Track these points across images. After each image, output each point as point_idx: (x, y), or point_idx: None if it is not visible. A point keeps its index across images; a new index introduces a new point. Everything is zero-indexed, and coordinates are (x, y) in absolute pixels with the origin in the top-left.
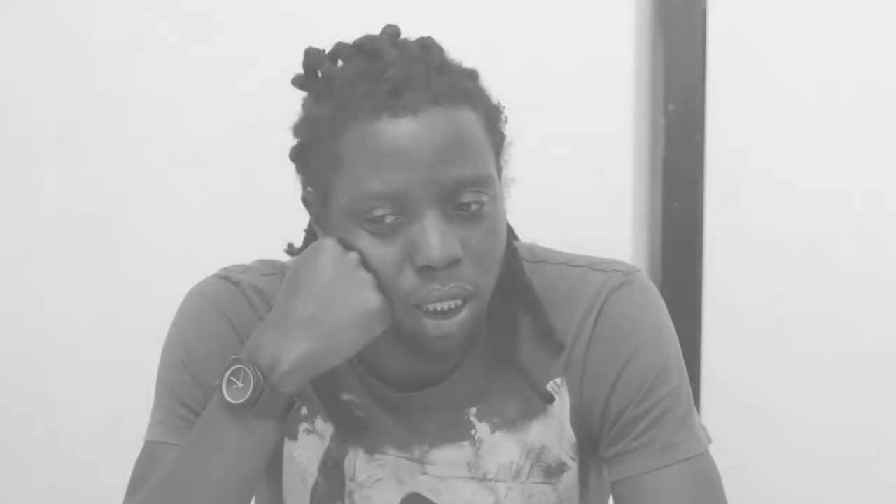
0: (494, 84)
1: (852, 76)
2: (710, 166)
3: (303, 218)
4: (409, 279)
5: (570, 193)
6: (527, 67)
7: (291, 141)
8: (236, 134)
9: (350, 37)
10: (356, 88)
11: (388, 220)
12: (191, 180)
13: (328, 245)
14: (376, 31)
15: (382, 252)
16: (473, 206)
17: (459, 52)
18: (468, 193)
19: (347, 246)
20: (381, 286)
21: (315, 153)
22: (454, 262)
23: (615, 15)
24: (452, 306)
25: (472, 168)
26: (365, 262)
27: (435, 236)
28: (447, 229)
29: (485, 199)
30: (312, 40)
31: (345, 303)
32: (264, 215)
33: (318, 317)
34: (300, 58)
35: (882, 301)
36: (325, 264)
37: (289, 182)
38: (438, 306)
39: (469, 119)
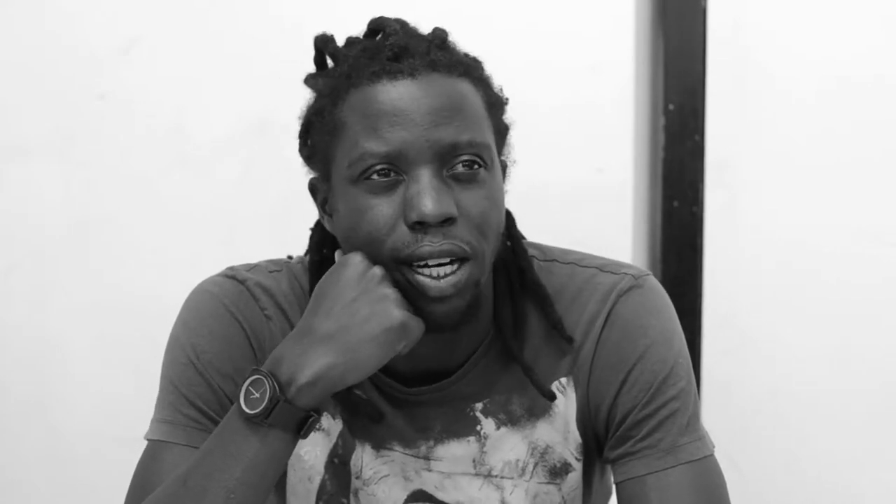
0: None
1: (852, 76)
2: (710, 166)
3: (301, 220)
4: (401, 236)
5: (570, 193)
6: (527, 67)
7: (295, 138)
8: (236, 135)
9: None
10: (359, 60)
11: (385, 178)
12: (190, 181)
13: (354, 261)
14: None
15: (377, 209)
16: (469, 170)
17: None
18: (463, 156)
19: (352, 217)
20: (372, 244)
21: (317, 128)
22: (448, 221)
23: (615, 15)
24: (448, 271)
25: (468, 133)
26: (360, 221)
27: (429, 193)
28: (442, 188)
29: (480, 163)
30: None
31: (366, 319)
32: (264, 216)
33: (339, 333)
34: (301, 59)
35: (882, 301)
36: (349, 280)
37: (289, 183)
38: (434, 270)
39: (467, 90)
